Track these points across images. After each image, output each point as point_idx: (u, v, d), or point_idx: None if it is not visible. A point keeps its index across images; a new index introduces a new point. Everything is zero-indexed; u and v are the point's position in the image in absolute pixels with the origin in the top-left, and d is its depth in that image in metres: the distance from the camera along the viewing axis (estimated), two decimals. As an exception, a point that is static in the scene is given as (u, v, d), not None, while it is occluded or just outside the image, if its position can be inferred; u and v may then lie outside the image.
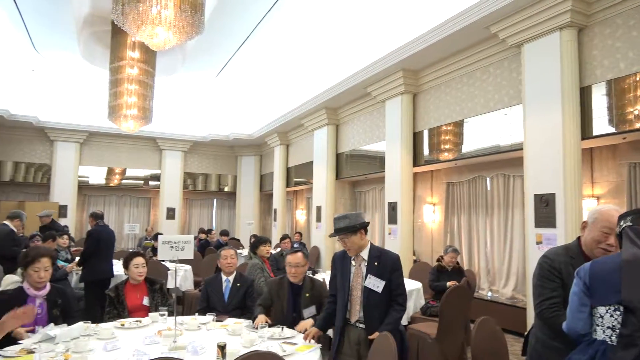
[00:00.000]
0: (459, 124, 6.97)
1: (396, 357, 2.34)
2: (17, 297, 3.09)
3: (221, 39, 8.47)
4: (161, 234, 9.27)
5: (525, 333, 2.54)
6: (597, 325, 1.80)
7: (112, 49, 7.68)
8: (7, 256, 5.84)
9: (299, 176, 12.50)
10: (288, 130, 12.73)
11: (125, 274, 3.97)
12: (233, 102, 12.55)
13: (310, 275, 5.99)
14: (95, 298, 5.34)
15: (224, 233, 10.51)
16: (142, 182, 14.44)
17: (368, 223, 3.13)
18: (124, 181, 14.22)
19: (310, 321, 3.32)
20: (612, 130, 4.93)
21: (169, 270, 6.66)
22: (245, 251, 9.32)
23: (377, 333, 2.79)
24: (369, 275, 2.99)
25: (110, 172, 14.01)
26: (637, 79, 4.65)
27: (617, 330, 1.72)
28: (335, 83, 9.01)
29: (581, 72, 5.19)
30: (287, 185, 13.16)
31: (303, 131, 11.83)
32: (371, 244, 3.12)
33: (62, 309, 3.26)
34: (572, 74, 5.13)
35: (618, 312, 1.72)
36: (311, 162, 11.20)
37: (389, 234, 8.01)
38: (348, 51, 8.47)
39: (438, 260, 5.88)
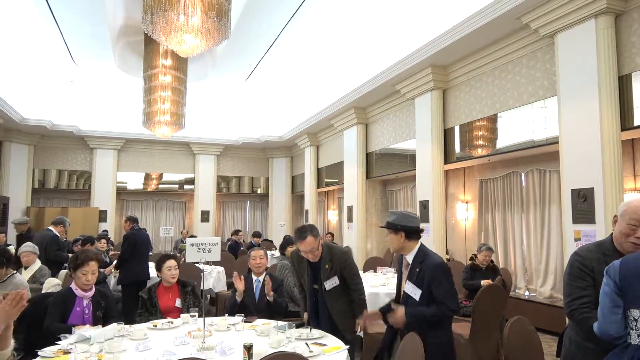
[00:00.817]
0: (491, 119, 6.79)
1: (423, 357, 2.29)
2: (67, 297, 3.31)
3: (249, 43, 8.58)
4: (195, 237, 9.47)
5: (561, 333, 2.44)
6: (632, 329, 1.69)
7: (146, 57, 7.92)
8: (51, 260, 6.13)
9: (330, 177, 12.50)
10: (317, 131, 12.76)
11: (158, 276, 4.07)
12: (263, 105, 12.69)
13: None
14: (132, 300, 5.49)
15: (257, 234, 10.63)
16: (177, 186, 14.80)
17: (415, 228, 2.92)
18: (160, 186, 14.61)
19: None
20: (655, 120, 4.68)
21: (202, 271, 6.77)
22: (277, 252, 9.39)
23: (398, 313, 2.80)
24: (407, 282, 2.91)
25: (146, 177, 14.43)
26: (681, 64, 4.40)
27: None
28: (364, 82, 8.95)
29: (619, 60, 4.95)
30: (318, 186, 13.19)
31: (332, 131, 11.82)
32: (421, 248, 2.94)
33: (105, 311, 3.39)
34: (609, 62, 4.91)
35: None
36: (341, 162, 11.17)
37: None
38: (375, 49, 8.41)
39: (471, 258, 5.74)
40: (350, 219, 10.57)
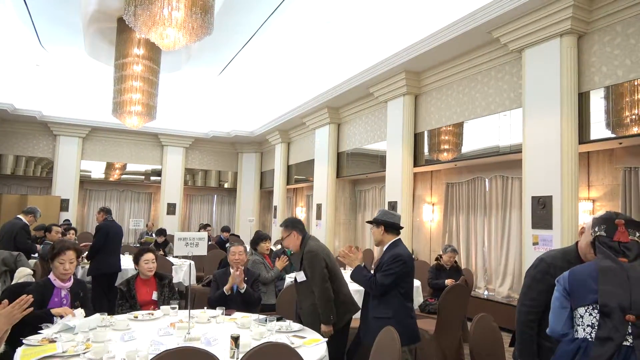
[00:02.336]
0: (460, 126, 7.11)
1: (399, 353, 2.46)
2: (45, 288, 3.30)
3: (225, 38, 8.57)
4: (164, 230, 9.40)
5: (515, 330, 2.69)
6: (579, 325, 1.93)
7: (118, 46, 7.78)
8: (22, 249, 6.00)
9: (300, 174, 12.63)
10: (289, 128, 12.85)
11: (136, 269, 4.10)
12: (235, 100, 12.65)
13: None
14: (102, 291, 5.47)
15: (226, 229, 10.64)
16: (143, 177, 14.56)
17: (392, 223, 3.41)
18: (125, 176, 14.32)
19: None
20: (609, 135, 5.08)
21: (173, 265, 6.79)
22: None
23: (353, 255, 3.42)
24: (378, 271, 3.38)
25: (111, 166, 14.12)
26: (635, 85, 4.79)
27: (596, 328, 1.86)
28: (338, 83, 9.13)
29: (580, 77, 5.33)
30: (288, 182, 13.29)
31: (304, 129, 11.95)
32: (394, 242, 3.40)
33: (82, 302, 3.41)
34: (571, 79, 5.27)
35: (595, 311, 1.87)
36: (312, 160, 11.33)
37: (389, 232, 8.13)
38: (351, 52, 8.58)
39: (437, 259, 6.02)
40: (319, 217, 10.74)
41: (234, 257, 4.33)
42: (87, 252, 5.88)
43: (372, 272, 3.43)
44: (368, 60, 8.13)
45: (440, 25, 6.46)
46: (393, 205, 8.04)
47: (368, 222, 3.56)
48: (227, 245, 4.62)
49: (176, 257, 7.71)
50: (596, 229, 2.04)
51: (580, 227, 2.50)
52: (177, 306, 3.50)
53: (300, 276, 3.76)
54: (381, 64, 7.81)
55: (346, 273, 3.96)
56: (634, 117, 4.81)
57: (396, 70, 7.73)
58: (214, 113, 13.68)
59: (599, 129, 5.17)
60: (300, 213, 13.72)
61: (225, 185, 15.84)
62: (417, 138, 7.97)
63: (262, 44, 8.93)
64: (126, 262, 6.35)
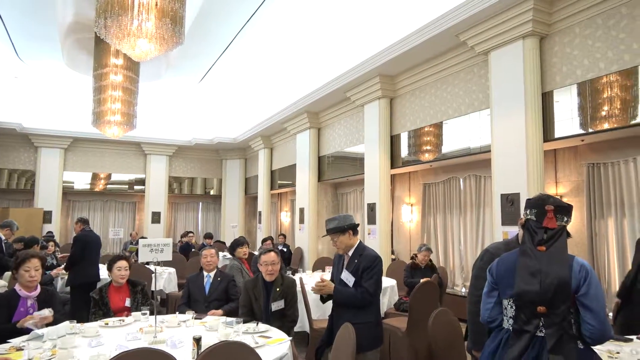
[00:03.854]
0: (434, 127, 7.26)
1: (354, 348, 2.56)
2: (10, 298, 3.31)
3: (204, 45, 8.67)
4: (145, 238, 9.41)
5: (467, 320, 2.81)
6: (505, 316, 2.04)
7: (96, 56, 7.83)
8: (-1, 264, 5.98)
9: (283, 179, 12.73)
10: (271, 134, 12.95)
11: (109, 276, 4.16)
12: (217, 107, 12.74)
13: (289, 273, 6.23)
14: (82, 302, 5.48)
15: (208, 236, 10.69)
16: (126, 186, 14.54)
17: (357, 225, 3.43)
18: (108, 186, 14.30)
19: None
20: (572, 132, 5.24)
21: (152, 272, 6.83)
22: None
23: (327, 283, 3.28)
24: (344, 270, 3.34)
25: (94, 177, 14.09)
26: (593, 83, 4.97)
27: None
28: (316, 88, 9.26)
29: (543, 78, 5.50)
30: (272, 188, 13.37)
31: (286, 135, 12.05)
32: (359, 243, 3.41)
33: (52, 307, 3.45)
34: (534, 79, 5.44)
35: (515, 305, 1.98)
36: (294, 165, 11.43)
37: (369, 234, 8.27)
38: (327, 57, 8.72)
39: (412, 258, 6.14)
40: (302, 221, 10.83)
41: (205, 260, 4.44)
42: (65, 263, 5.90)
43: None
44: (344, 65, 8.28)
45: (410, 30, 6.61)
46: (372, 207, 8.16)
47: (331, 232, 3.34)
48: (201, 250, 4.70)
49: (157, 264, 7.75)
50: (527, 212, 2.08)
51: (519, 219, 2.62)
52: (147, 312, 3.57)
53: (277, 304, 3.82)
54: (356, 68, 7.95)
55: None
56: (594, 114, 4.98)
57: (371, 74, 7.88)
58: (196, 120, 13.74)
59: (562, 127, 5.33)
60: (285, 217, 13.80)
61: (211, 192, 15.87)
62: (394, 140, 8.11)
63: (241, 51, 9.03)
64: (106, 271, 6.37)
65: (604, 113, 4.91)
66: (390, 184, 8.29)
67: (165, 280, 7.21)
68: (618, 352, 2.55)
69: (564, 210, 2.04)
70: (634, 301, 3.37)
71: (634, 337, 2.89)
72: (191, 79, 10.68)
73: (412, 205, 8.66)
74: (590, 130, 5.05)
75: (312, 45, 8.64)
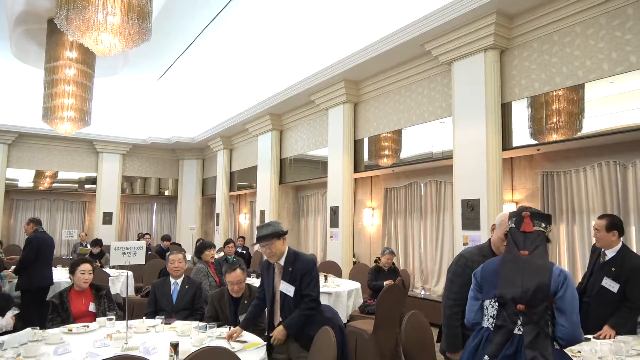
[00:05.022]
0: (397, 133, 7.43)
1: (336, 351, 2.59)
2: None
3: (164, 42, 8.44)
4: (100, 240, 9.04)
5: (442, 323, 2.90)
6: (485, 316, 2.17)
7: (48, 48, 7.45)
8: None
9: (243, 180, 12.59)
10: (232, 134, 12.78)
11: (70, 279, 3.97)
12: (176, 106, 12.43)
13: (254, 277, 6.18)
14: (34, 306, 5.19)
15: (166, 238, 10.39)
16: (76, 185, 13.88)
17: (285, 231, 3.29)
18: (56, 184, 13.60)
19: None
20: (528, 142, 5.53)
21: (110, 276, 6.57)
22: (188, 256, 9.29)
23: (277, 332, 3.08)
24: (282, 281, 3.23)
25: (40, 175, 13.36)
26: (549, 96, 5.26)
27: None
28: (280, 90, 9.24)
29: (503, 89, 5.77)
30: (231, 189, 13.19)
31: (247, 136, 11.94)
32: (289, 250, 3.28)
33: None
34: (494, 91, 5.69)
35: (496, 304, 2.10)
36: (255, 167, 11.33)
37: (331, 237, 8.34)
38: (292, 60, 8.73)
39: (376, 261, 6.25)
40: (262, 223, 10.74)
41: (173, 265, 4.29)
42: (13, 266, 5.55)
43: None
44: (309, 68, 8.31)
45: (377, 37, 6.74)
46: (335, 210, 8.24)
47: (269, 237, 3.17)
48: (168, 254, 4.55)
49: (113, 267, 7.46)
50: (510, 222, 2.25)
51: (492, 225, 2.77)
52: (114, 317, 3.43)
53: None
54: (321, 72, 8.00)
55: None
56: (549, 125, 5.28)
57: (336, 79, 7.96)
58: (153, 119, 13.35)
59: (520, 136, 5.61)
60: (243, 220, 13.65)
61: (166, 193, 15.44)
62: (357, 145, 8.23)
63: (204, 50, 8.88)
64: (58, 274, 6.08)
65: (556, 125, 5.21)
66: (353, 187, 8.39)
67: (122, 284, 6.94)
68: (579, 351, 2.72)
69: (540, 216, 2.19)
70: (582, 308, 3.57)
71: (590, 336, 3.08)
72: (150, 76, 10.37)
73: (373, 209, 8.81)
74: (544, 140, 5.35)
75: (277, 47, 8.62)
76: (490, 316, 2.13)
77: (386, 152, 7.66)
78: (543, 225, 2.16)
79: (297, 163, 10.13)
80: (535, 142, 5.44)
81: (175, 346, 2.54)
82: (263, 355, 2.84)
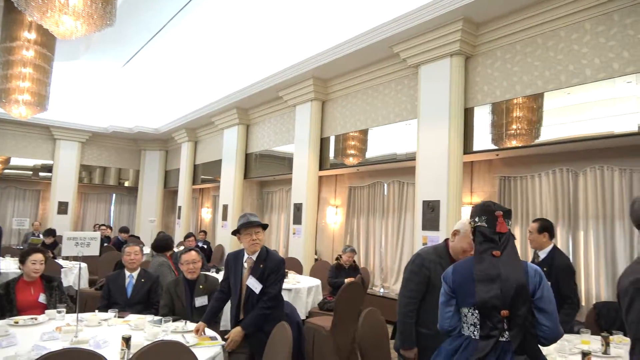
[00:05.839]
0: (363, 133, 7.50)
1: (291, 347, 2.59)
2: None
3: (131, 29, 8.20)
4: (54, 230, 8.71)
5: (397, 320, 2.95)
6: (464, 323, 2.11)
7: (4, 27, 7.10)
8: None
9: (207, 174, 12.40)
10: (197, 127, 12.56)
11: (20, 269, 3.80)
12: (140, 95, 12.11)
13: (214, 272, 6.11)
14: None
15: (124, 230, 10.12)
16: (30, 172, 13.30)
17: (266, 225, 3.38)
18: (8, 171, 12.98)
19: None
20: (488, 147, 5.70)
21: (62, 267, 6.34)
22: (146, 249, 9.07)
23: (233, 333, 3.06)
24: (250, 276, 3.23)
25: (-10, 160, 12.73)
26: (510, 104, 5.44)
27: (478, 327, 2.03)
28: (248, 85, 9.15)
29: (466, 94, 5.92)
30: (194, 182, 12.97)
31: (213, 129, 11.76)
32: (263, 246, 3.32)
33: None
34: (458, 96, 5.83)
35: (476, 312, 2.04)
36: (220, 161, 11.18)
37: (294, 233, 8.33)
38: (261, 55, 8.66)
39: (337, 259, 6.30)
40: (225, 218, 10.64)
41: (128, 258, 4.18)
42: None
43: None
44: (278, 64, 8.27)
45: (347, 37, 6.78)
46: (299, 207, 8.24)
47: (257, 224, 3.25)
48: (124, 246, 4.42)
49: (66, 258, 7.20)
50: (476, 219, 2.14)
51: (454, 230, 2.77)
52: (64, 310, 3.32)
53: (201, 300, 3.78)
54: (290, 69, 7.98)
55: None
56: (508, 132, 5.46)
57: (304, 76, 7.95)
58: (116, 107, 12.96)
59: (480, 141, 5.77)
60: (206, 214, 13.45)
61: (126, 184, 15.02)
62: (323, 143, 8.25)
63: (171, 39, 8.68)
64: (6, 265, 5.81)
65: (516, 132, 5.39)
66: (318, 185, 8.41)
67: (76, 276, 6.70)
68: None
69: (509, 214, 2.15)
70: None
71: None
72: (114, 63, 10.05)
73: (337, 207, 8.86)
74: (503, 146, 5.53)
75: (246, 41, 8.52)
76: (471, 324, 2.06)
77: (352, 151, 7.72)
78: (509, 222, 2.12)
79: (263, 158, 10.07)
80: (495, 147, 5.62)
81: (127, 340, 2.48)
82: (218, 350, 2.81)
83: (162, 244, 5.21)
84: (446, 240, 2.85)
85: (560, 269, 3.49)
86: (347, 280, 5.71)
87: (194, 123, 12.18)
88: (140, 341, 2.68)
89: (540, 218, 3.89)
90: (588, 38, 4.80)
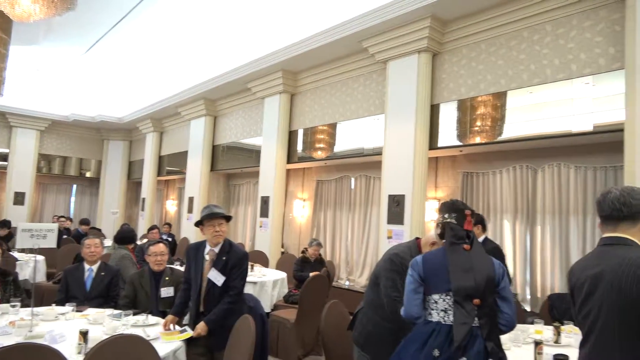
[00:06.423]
0: (331, 127, 7.52)
1: (254, 339, 2.59)
2: None
3: (94, 14, 7.90)
4: (9, 221, 8.38)
5: (355, 312, 2.98)
6: (433, 310, 2.17)
7: (-45, 7, 6.73)
8: None
9: (172, 165, 12.16)
10: (163, 117, 12.29)
11: (-29, 262, 3.64)
12: (103, 83, 11.70)
13: (178, 265, 6.02)
14: None
15: (84, 222, 9.83)
16: (-16, 161, 12.71)
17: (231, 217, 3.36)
18: (-40, 159, 12.37)
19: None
20: (453, 143, 5.82)
21: (17, 260, 6.11)
22: (108, 241, 8.85)
23: (200, 328, 3.00)
24: (212, 269, 3.18)
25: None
26: (474, 101, 5.57)
27: (449, 312, 2.11)
28: (216, 75, 9.01)
29: (433, 91, 6.01)
30: (159, 174, 12.70)
31: (179, 120, 11.53)
32: (225, 239, 3.28)
33: None
34: (425, 92, 5.92)
35: (449, 297, 2.13)
36: (186, 152, 10.99)
37: (260, 226, 8.30)
38: (230, 45, 8.53)
39: (303, 252, 6.32)
40: (190, 210, 10.48)
41: (88, 250, 4.06)
42: None
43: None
44: (247, 55, 8.17)
45: (316, 30, 6.76)
46: (266, 200, 8.20)
47: (221, 215, 3.21)
48: (84, 239, 4.30)
49: (22, 251, 6.94)
50: (446, 216, 2.28)
51: (432, 240, 2.77)
52: (18, 304, 3.20)
53: (167, 291, 3.75)
54: (259, 60, 7.90)
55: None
56: (472, 129, 5.59)
57: (274, 68, 7.89)
58: (78, 95, 12.49)
59: (445, 137, 5.89)
60: (171, 206, 13.21)
61: (87, 175, 14.56)
62: (292, 136, 8.23)
63: (137, 26, 8.42)
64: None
65: (480, 129, 5.53)
66: (285, 178, 8.39)
67: (32, 269, 6.47)
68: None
69: (475, 215, 2.40)
70: None
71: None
72: (75, 49, 9.67)
73: (304, 200, 8.87)
74: (467, 142, 5.66)
75: (215, 31, 8.37)
76: (442, 310, 2.14)
77: (320, 145, 7.73)
78: (474, 222, 2.34)
79: (230, 151, 9.95)
80: (460, 143, 5.74)
81: (84, 334, 2.42)
82: (180, 344, 2.78)
83: (125, 236, 5.09)
84: (417, 238, 2.89)
85: (491, 252, 3.65)
86: (312, 274, 5.73)
87: (160, 113, 11.91)
88: (98, 335, 2.62)
89: (475, 213, 4.09)
90: (549, 39, 4.96)
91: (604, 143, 4.91)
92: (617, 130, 4.32)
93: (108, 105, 12.90)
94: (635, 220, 1.72)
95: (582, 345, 1.77)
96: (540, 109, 5.02)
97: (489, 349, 2.02)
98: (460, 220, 2.24)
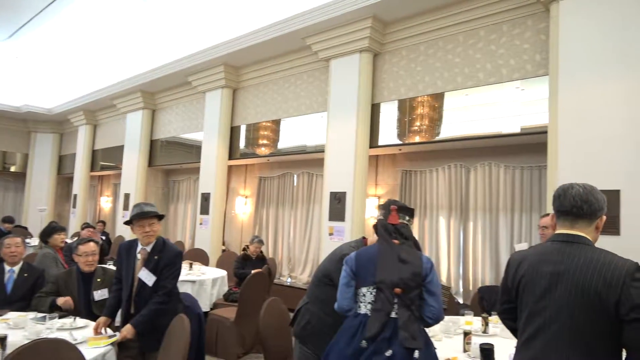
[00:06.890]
0: (275, 123, 7.48)
1: (189, 340, 2.52)
2: None
3: (18, -4, 7.38)
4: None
5: (297, 308, 3.00)
6: (362, 303, 2.25)
7: None
8: None
9: (107, 160, 11.59)
10: (97, 109, 11.67)
11: None
12: (30, 70, 10.96)
13: (112, 265, 5.76)
14: None
15: (8, 220, 9.15)
16: None
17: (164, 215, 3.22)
18: None
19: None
20: (392, 142, 5.97)
21: None
22: (35, 240, 8.30)
23: (125, 331, 2.86)
24: (143, 268, 3.07)
25: None
26: (413, 102, 5.74)
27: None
28: (154, 67, 8.69)
29: (374, 90, 6.13)
30: (92, 169, 12.06)
31: (114, 112, 11.01)
32: (158, 237, 3.16)
33: None
34: (366, 91, 6.03)
35: (374, 290, 2.21)
36: (122, 147, 10.51)
37: (201, 224, 8.11)
38: (170, 36, 8.26)
39: (244, 249, 6.24)
40: (126, 208, 10.04)
41: (8, 250, 3.78)
42: None
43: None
44: (187, 48, 7.93)
45: (260, 25, 6.69)
46: (206, 197, 8.02)
47: (151, 214, 3.10)
48: (3, 238, 3.99)
49: None
50: (379, 214, 2.42)
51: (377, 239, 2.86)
52: None
53: (101, 294, 3.57)
54: (200, 53, 7.70)
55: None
56: (411, 128, 5.76)
57: (215, 62, 7.72)
58: (0, 83, 11.59)
59: (385, 136, 6.03)
60: (105, 203, 12.61)
61: (12, 169, 13.56)
62: (234, 131, 8.10)
63: (69, 12, 7.96)
64: None
65: (418, 128, 5.72)
66: (227, 174, 8.25)
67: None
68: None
69: (405, 210, 2.39)
70: None
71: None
72: (-3, 33, 8.99)
73: (246, 197, 8.77)
74: (406, 141, 5.83)
75: (154, 21, 8.07)
76: (368, 302, 2.21)
77: (263, 142, 7.67)
78: (407, 218, 2.36)
79: (169, 146, 9.64)
80: (399, 142, 5.91)
81: (2, 339, 2.25)
82: (110, 347, 2.66)
83: (46, 231, 4.80)
84: (363, 238, 2.93)
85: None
86: (253, 271, 5.68)
87: (94, 105, 11.31)
88: (19, 340, 2.45)
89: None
90: (481, 45, 5.20)
91: (531, 144, 5.23)
92: (541, 132, 4.61)
93: (36, 95, 12.07)
94: (592, 220, 1.70)
95: (526, 344, 1.69)
96: (474, 111, 5.27)
97: (399, 337, 2.07)
98: (386, 215, 2.36)
